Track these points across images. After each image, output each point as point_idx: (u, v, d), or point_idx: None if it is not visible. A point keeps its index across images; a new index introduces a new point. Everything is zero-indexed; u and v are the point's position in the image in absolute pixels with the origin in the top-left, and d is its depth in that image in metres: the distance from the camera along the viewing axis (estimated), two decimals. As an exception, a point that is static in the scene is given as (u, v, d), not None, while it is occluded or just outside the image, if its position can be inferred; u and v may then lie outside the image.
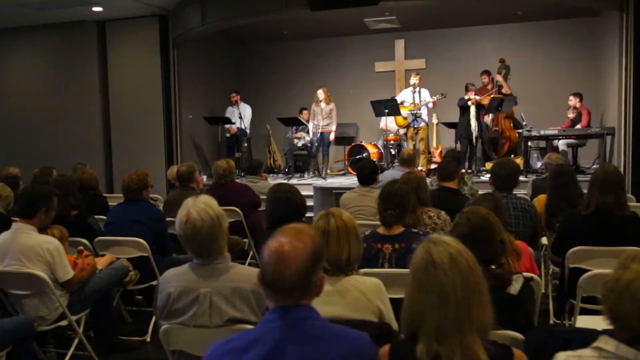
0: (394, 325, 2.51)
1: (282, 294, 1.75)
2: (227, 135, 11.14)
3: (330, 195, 9.15)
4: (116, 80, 10.63)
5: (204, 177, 10.06)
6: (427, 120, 9.99)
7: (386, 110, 9.55)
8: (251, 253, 6.15)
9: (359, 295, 2.44)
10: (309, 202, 8.99)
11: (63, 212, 4.35)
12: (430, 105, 9.86)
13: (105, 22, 10.62)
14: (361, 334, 1.81)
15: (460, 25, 11.37)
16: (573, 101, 9.92)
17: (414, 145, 9.81)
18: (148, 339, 4.52)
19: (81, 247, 4.11)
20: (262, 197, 6.64)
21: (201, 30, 9.96)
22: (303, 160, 11.19)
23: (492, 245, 2.41)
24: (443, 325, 1.63)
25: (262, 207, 6.54)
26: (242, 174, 9.65)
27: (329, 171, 10.78)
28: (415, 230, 3.41)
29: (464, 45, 11.50)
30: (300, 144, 11.38)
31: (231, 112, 10.99)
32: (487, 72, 10.51)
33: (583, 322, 3.31)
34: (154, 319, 4.60)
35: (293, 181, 9.85)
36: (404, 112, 9.80)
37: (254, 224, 6.24)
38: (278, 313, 1.75)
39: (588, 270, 3.62)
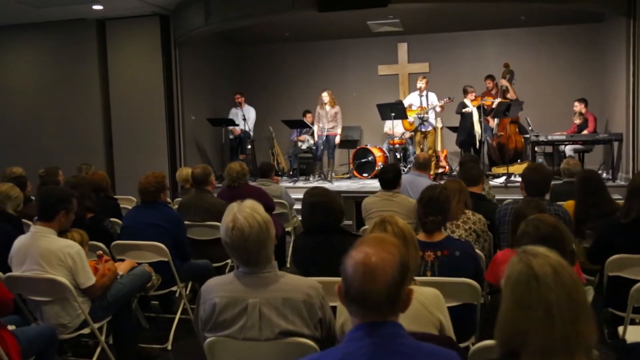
0: (453, 337, 2.40)
1: (369, 310, 1.62)
2: (231, 137, 11.00)
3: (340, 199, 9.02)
4: (117, 80, 10.46)
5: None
6: (434, 124, 9.90)
7: (393, 114, 9.44)
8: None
9: (419, 307, 2.31)
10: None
11: (78, 214, 4.18)
12: (438, 109, 9.76)
13: (105, 20, 10.46)
14: (451, 352, 1.69)
15: (463, 30, 11.31)
16: (578, 107, 9.88)
17: (422, 149, 9.71)
18: (169, 347, 4.37)
19: (100, 252, 3.96)
20: (276, 200, 6.55)
21: (204, 31, 9.82)
22: (307, 163, 11.07)
23: (564, 255, 2.30)
24: (549, 344, 1.51)
25: (276, 210, 6.46)
26: (252, 178, 9.51)
27: (333, 174, 10.65)
28: (457, 237, 3.30)
29: (467, 50, 11.45)
30: (304, 146, 11.26)
31: (235, 114, 10.85)
32: (491, 77, 10.44)
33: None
34: (174, 326, 4.48)
35: (299, 184, 9.74)
36: (410, 116, 9.70)
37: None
38: (365, 330, 1.62)
39: (628, 279, 3.53)
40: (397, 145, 10.83)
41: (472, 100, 9.78)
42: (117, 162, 10.52)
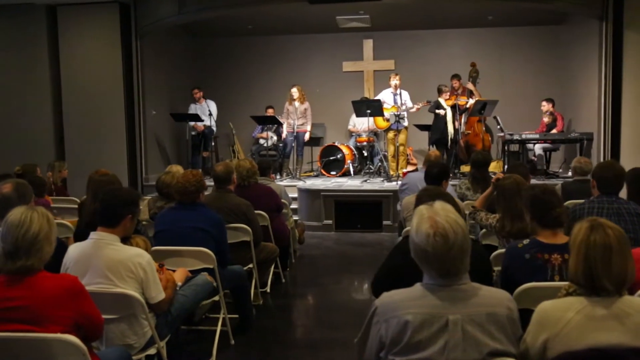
0: None
1: None
2: (193, 133, 10.44)
3: (318, 198, 8.75)
4: (69, 72, 9.66)
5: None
6: (407, 123, 9.80)
7: (369, 111, 9.27)
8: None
9: None
10: (294, 205, 8.58)
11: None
12: (414, 110, 9.67)
13: (57, 6, 9.63)
14: None
15: (430, 28, 11.32)
16: (546, 106, 10.09)
17: (396, 148, 9.58)
18: (214, 363, 3.98)
19: (162, 262, 3.49)
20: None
21: (174, 20, 9.30)
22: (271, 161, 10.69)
23: None
24: None
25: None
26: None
27: (300, 173, 10.34)
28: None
29: (433, 48, 11.45)
30: (267, 144, 10.88)
31: (200, 109, 10.32)
32: (457, 76, 10.44)
33: None
34: (216, 341, 4.07)
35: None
36: (386, 113, 9.55)
37: (278, 228, 5.77)
38: None
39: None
40: (364, 143, 10.68)
41: (446, 100, 9.76)
42: (69, 160, 9.68)
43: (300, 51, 11.81)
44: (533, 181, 8.60)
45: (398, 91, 9.71)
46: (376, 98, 9.84)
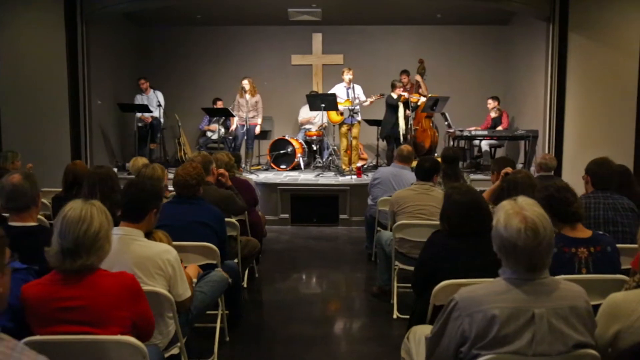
0: None
1: None
2: (139, 124, 10.07)
3: (275, 191, 8.67)
4: (9, 57, 9.02)
5: (115, 170, 9.01)
6: (360, 117, 9.85)
7: (323, 105, 9.26)
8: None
9: None
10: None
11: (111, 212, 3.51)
12: (367, 104, 9.72)
13: (-8, -14, 9.02)
14: None
15: (379, 24, 11.42)
16: (492, 104, 10.42)
17: (350, 142, 9.62)
18: (216, 361, 3.86)
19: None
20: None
21: (125, 6, 8.87)
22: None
23: None
24: None
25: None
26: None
27: (249, 166, 10.19)
28: (602, 233, 3.23)
29: (382, 44, 11.57)
30: (214, 136, 10.67)
31: (147, 100, 9.97)
32: (406, 72, 10.60)
33: None
34: (217, 338, 3.95)
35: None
36: (341, 107, 9.57)
37: (255, 222, 5.68)
38: None
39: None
40: (314, 137, 10.66)
41: (399, 95, 9.87)
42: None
43: (249, 43, 11.64)
44: (481, 176, 8.93)
45: (351, 85, 9.74)
46: (331, 92, 9.83)
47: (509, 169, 4.61)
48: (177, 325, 2.97)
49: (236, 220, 4.87)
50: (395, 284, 4.94)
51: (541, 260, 2.10)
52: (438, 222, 4.64)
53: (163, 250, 2.91)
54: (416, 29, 11.48)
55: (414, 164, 5.43)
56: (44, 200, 4.25)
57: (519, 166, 9.01)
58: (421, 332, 2.79)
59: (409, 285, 5.42)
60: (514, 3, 9.10)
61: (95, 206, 2.26)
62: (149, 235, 3.03)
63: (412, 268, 4.88)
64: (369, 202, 6.46)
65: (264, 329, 4.64)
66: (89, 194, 3.73)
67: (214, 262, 3.80)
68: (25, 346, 1.49)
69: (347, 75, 9.73)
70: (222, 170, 5.00)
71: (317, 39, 11.59)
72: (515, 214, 2.10)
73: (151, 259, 2.85)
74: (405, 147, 6.31)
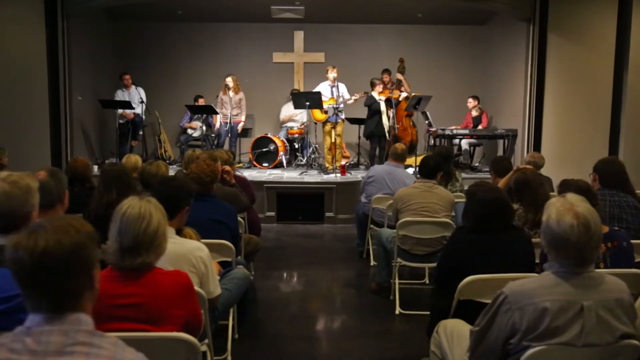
0: None
1: None
2: (121, 121, 9.94)
3: (261, 189, 8.67)
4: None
5: (95, 167, 8.90)
6: (344, 115, 9.91)
7: (307, 103, 9.29)
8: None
9: None
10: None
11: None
12: (351, 102, 9.78)
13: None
14: None
15: (360, 22, 11.48)
16: (472, 103, 10.59)
17: (334, 141, 9.67)
18: (229, 358, 3.86)
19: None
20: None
21: (105, 2, 8.75)
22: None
23: None
24: None
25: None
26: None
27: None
28: (617, 229, 3.35)
29: (363, 42, 11.63)
30: (196, 134, 10.61)
31: (129, 96, 9.85)
32: (387, 71, 10.69)
33: None
34: (230, 335, 3.96)
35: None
36: (326, 106, 9.61)
37: (253, 220, 5.70)
38: None
39: None
40: (295, 135, 10.67)
41: (379, 93, 9.95)
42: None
43: (231, 40, 11.57)
44: (463, 175, 9.08)
45: (335, 84, 9.79)
46: (315, 90, 9.87)
47: (523, 166, 4.73)
48: (207, 323, 2.98)
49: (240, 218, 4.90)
50: (397, 281, 5.00)
51: (591, 254, 2.18)
52: (442, 220, 4.79)
53: (195, 247, 2.91)
54: (397, 28, 11.58)
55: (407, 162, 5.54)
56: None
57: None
58: (452, 326, 2.85)
59: (409, 281, 5.56)
60: (496, 4, 9.28)
61: (152, 203, 2.26)
62: (179, 232, 3.03)
63: (414, 265, 5.03)
64: (362, 199, 6.52)
65: (269, 326, 4.66)
66: (104, 191, 3.69)
67: (229, 259, 3.81)
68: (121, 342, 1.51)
69: (332, 74, 9.78)
70: (227, 168, 5.01)
71: (299, 36, 11.60)
72: (567, 210, 2.17)
73: (184, 256, 2.86)
74: (400, 146, 6.39)
